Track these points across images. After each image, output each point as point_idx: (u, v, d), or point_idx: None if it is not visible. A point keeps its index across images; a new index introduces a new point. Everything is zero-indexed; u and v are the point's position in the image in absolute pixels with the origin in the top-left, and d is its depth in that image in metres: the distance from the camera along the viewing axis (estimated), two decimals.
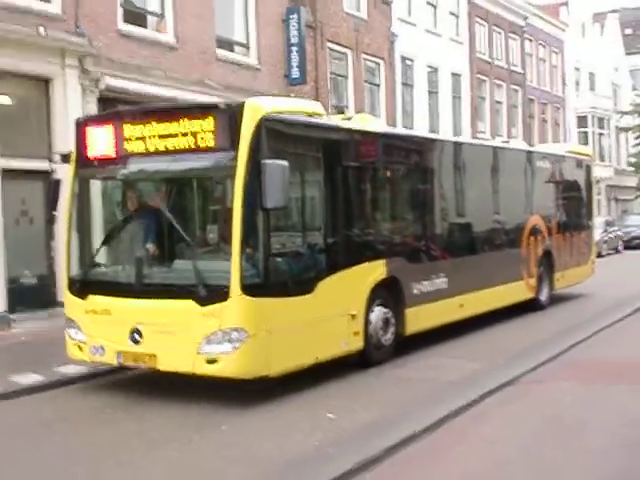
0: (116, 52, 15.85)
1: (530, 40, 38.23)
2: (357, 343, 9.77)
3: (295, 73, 20.99)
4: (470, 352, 11.07)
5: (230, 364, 8.10)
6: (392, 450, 6.64)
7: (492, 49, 34.06)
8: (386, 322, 10.31)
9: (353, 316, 9.65)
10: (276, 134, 8.69)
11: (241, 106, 8.36)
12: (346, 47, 23.89)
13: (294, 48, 20.94)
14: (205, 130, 8.32)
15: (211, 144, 8.31)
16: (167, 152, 8.61)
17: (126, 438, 7.41)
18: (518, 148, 16.53)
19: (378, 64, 25.73)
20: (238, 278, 8.04)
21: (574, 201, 17.50)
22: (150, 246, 9.22)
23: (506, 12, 35.05)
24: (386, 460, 6.47)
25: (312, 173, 9.76)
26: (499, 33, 34.79)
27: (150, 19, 17.66)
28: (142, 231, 9.40)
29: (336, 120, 11.39)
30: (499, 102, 34.97)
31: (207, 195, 10.27)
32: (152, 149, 8.70)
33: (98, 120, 9.94)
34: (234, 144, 8.19)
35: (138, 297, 8.66)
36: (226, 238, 8.39)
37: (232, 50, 19.78)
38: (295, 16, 20.91)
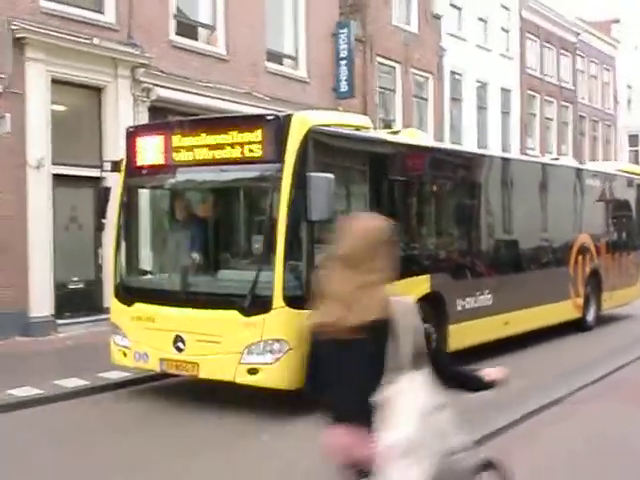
0: (167, 63, 16.06)
1: (582, 57, 37.85)
2: None
3: (343, 87, 21.06)
4: (516, 370, 10.87)
5: (270, 375, 8.14)
6: None
7: (543, 65, 33.77)
8: (428, 337, 10.15)
9: None
10: (322, 146, 8.74)
11: (288, 118, 8.43)
12: (395, 61, 23.90)
13: (343, 62, 21.01)
14: (252, 141, 8.40)
15: (258, 155, 8.38)
16: (215, 162, 8.72)
17: (167, 444, 7.48)
18: (567, 165, 16.36)
19: (427, 78, 25.67)
20: (281, 290, 8.09)
21: (624, 220, 17.22)
22: (195, 255, 9.32)
23: (558, 28, 34.75)
24: None
25: (358, 186, 9.78)
26: (550, 49, 34.50)
27: (201, 31, 17.88)
28: (188, 240, 9.53)
29: (383, 134, 11.39)
30: (549, 119, 34.64)
31: (253, 206, 10.32)
32: (200, 159, 8.82)
33: (148, 129, 10.12)
34: (281, 156, 8.24)
35: (182, 306, 8.75)
36: (270, 249, 8.44)
37: (281, 63, 19.92)
38: (345, 30, 21.00)
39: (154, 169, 9.35)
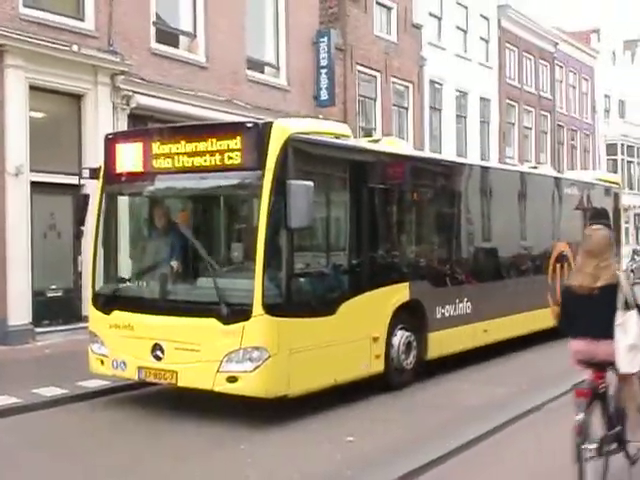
0: (148, 70, 16.04)
1: (560, 66, 38.16)
2: (378, 366, 9.71)
3: (324, 95, 21.11)
4: (495, 377, 10.98)
5: (250, 383, 8.09)
6: (412, 474, 6.60)
7: (522, 75, 34.00)
8: (408, 346, 10.23)
9: (375, 339, 9.61)
10: (302, 154, 8.78)
11: (268, 125, 8.44)
12: (375, 70, 23.97)
13: (323, 70, 21.07)
14: (232, 149, 8.39)
15: (238, 162, 8.37)
16: (194, 170, 8.70)
17: (145, 453, 7.45)
18: (545, 174, 16.50)
19: (407, 87, 25.78)
20: (260, 297, 8.05)
21: None
22: (174, 263, 9.26)
23: (536, 38, 35.01)
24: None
25: (337, 194, 9.81)
26: (529, 59, 34.75)
27: (182, 39, 17.86)
28: (167, 248, 9.48)
29: (363, 142, 11.45)
30: (528, 127, 34.87)
31: (232, 213, 10.35)
32: (179, 167, 8.78)
33: (127, 136, 10.08)
34: (260, 163, 8.24)
35: (161, 314, 8.69)
36: (250, 257, 8.42)
37: (262, 71, 19.93)
38: (325, 39, 21.06)
39: (133, 176, 9.30)
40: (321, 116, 20.09)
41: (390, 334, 9.93)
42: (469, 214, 12.56)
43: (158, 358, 8.59)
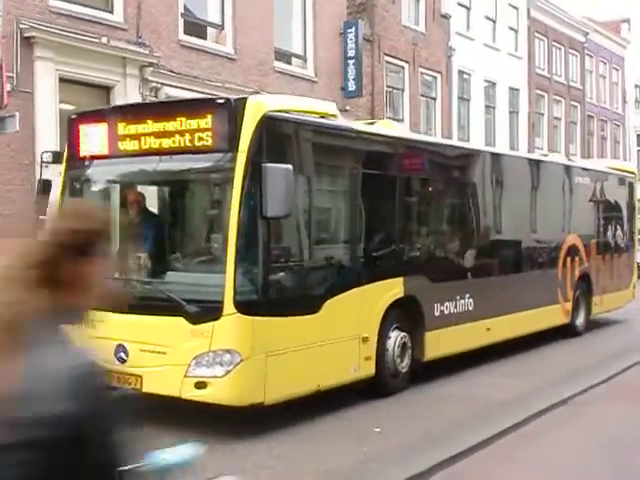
0: (176, 62, 16.10)
1: (590, 56, 37.74)
2: (368, 370, 8.89)
3: (351, 86, 21.07)
4: (518, 372, 10.87)
5: (220, 389, 7.29)
6: (437, 467, 6.58)
7: (551, 65, 33.69)
8: (403, 347, 9.44)
9: (365, 339, 8.78)
10: (281, 135, 8.04)
11: (242, 102, 7.60)
12: (403, 60, 23.89)
13: (351, 61, 21.03)
14: (202, 128, 7.57)
15: (208, 144, 7.58)
16: (161, 152, 7.91)
17: None
18: (554, 161, 15.36)
19: (435, 78, 25.67)
20: (232, 294, 7.24)
21: (615, 221, 16.30)
22: (141, 255, 8.34)
23: (566, 28, 34.67)
24: (431, 478, 6.43)
25: (321, 179, 9.02)
26: (559, 49, 34.42)
27: (210, 30, 17.91)
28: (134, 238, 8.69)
29: (351, 123, 10.52)
30: (557, 118, 34.56)
31: (204, 200, 9.56)
32: (146, 149, 7.97)
33: (91, 116, 8.98)
34: (233, 144, 7.43)
35: (126, 312, 7.49)
36: (222, 249, 7.64)
37: (289, 62, 19.94)
38: (353, 29, 21.01)
39: (97, 159, 8.49)
40: (348, 107, 20.08)
41: (382, 334, 9.10)
42: (471, 202, 11.68)
43: (122, 360, 7.69)
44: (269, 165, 7.26)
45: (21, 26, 13.25)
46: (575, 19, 35.34)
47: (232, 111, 7.53)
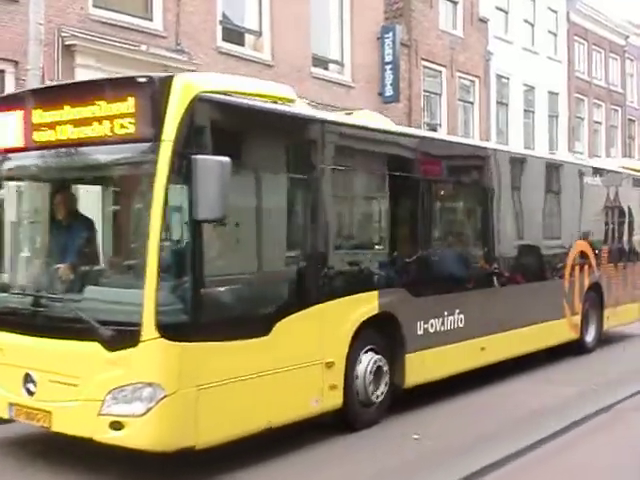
0: (214, 69, 16.20)
1: (631, 60, 37.32)
2: (334, 400, 7.55)
3: (388, 91, 21.06)
4: (563, 379, 10.66)
5: (139, 431, 6.00)
6: (477, 474, 6.52)
7: (591, 68, 33.39)
8: (378, 372, 8.09)
9: (329, 365, 7.44)
10: (217, 121, 6.62)
11: (168, 81, 6.25)
12: (440, 65, 23.84)
13: (388, 66, 21.03)
14: (123, 113, 6.27)
15: (129, 131, 6.24)
16: (78, 143, 6.61)
17: None
18: (560, 159, 13.96)
19: (473, 82, 25.56)
20: (153, 315, 5.92)
21: (629, 225, 14.68)
22: (60, 266, 7.09)
23: (606, 31, 34.33)
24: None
25: (271, 176, 7.40)
26: (599, 52, 34.10)
27: (248, 37, 18.03)
28: (50, 246, 7.56)
29: (311, 109, 8.63)
30: (598, 122, 34.22)
31: (126, 201, 8.04)
32: (62, 139, 6.68)
33: (4, 103, 7.65)
34: (156, 132, 6.12)
35: (36, 334, 6.53)
36: (143, 259, 6.21)
37: (327, 68, 20.00)
38: (390, 35, 21.02)
39: (10, 153, 7.25)
40: (385, 112, 20.07)
41: (352, 358, 7.77)
42: (463, 202, 10.46)
43: (30, 392, 6.50)
44: (200, 157, 6.05)
45: (62, 34, 13.47)
46: (615, 22, 34.99)
47: (156, 92, 6.24)
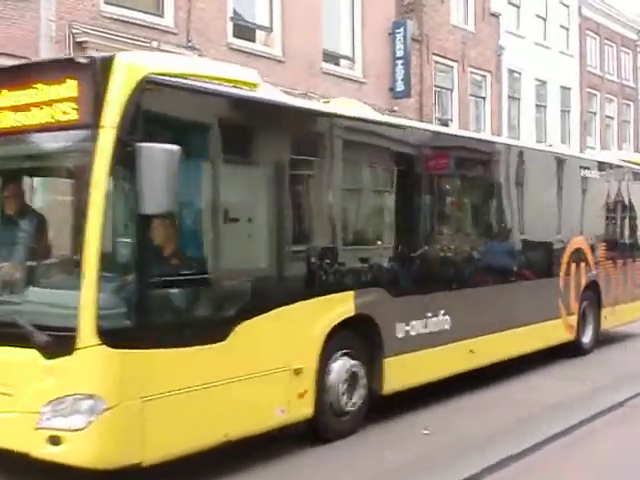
0: None
1: None
2: (303, 409, 6.95)
3: (400, 86, 21.02)
4: (573, 374, 10.61)
5: (79, 447, 5.45)
6: (491, 469, 6.50)
7: (603, 63, 33.25)
8: (353, 379, 7.48)
9: (297, 371, 6.83)
10: (166, 106, 6.06)
11: (110, 61, 5.71)
12: (452, 60, 23.78)
13: (399, 61, 20.98)
14: (62, 97, 5.75)
15: (70, 117, 5.73)
16: (19, 130, 6.05)
17: None
18: (555, 152, 13.18)
19: (484, 77, 25.49)
20: (93, 319, 5.39)
21: (629, 220, 14.09)
22: (3, 266, 6.55)
23: (618, 26, 34.18)
24: (483, 479, 6.37)
25: (229, 166, 6.66)
26: (611, 47, 33.95)
27: (259, 33, 18.02)
28: None
29: (280, 95, 8.23)
30: (610, 117, 34.08)
31: (68, 193, 7.36)
32: (1, 126, 6.14)
33: None
34: (98, 118, 5.57)
35: None
36: (82, 258, 5.64)
37: (337, 64, 19.97)
38: (401, 30, 20.97)
39: None
40: (396, 108, 20.04)
41: (324, 364, 7.17)
42: (447, 196, 9.69)
43: None
44: (145, 145, 5.51)
45: (73, 31, 13.49)
46: (627, 17, 34.84)
47: (98, 73, 5.69)
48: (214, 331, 6.14)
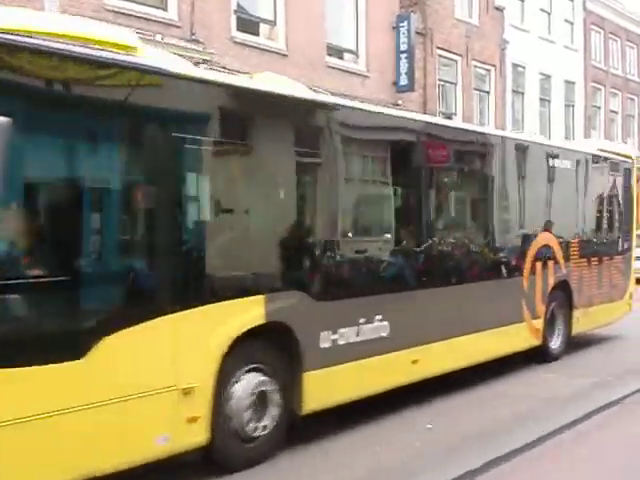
0: (229, 59, 16.20)
1: None
2: (194, 436, 5.86)
3: (403, 80, 20.99)
4: (573, 371, 10.55)
5: None
6: (487, 466, 6.49)
7: (608, 57, 33.18)
8: (262, 398, 6.40)
9: (187, 391, 5.72)
10: (8, 70, 4.80)
11: None
12: (456, 54, 23.73)
13: (403, 55, 20.95)
14: None
15: None
16: None
17: None
18: (522, 138, 11.78)
19: (488, 71, 25.45)
20: None
21: (606, 215, 12.94)
22: None
23: (623, 20, 34.09)
24: (480, 475, 6.36)
25: (100, 145, 5.43)
26: (615, 41, 33.86)
27: (262, 27, 18.01)
28: None
29: (169, 62, 6.53)
30: (614, 111, 34.01)
31: None
32: None
33: None
34: None
35: None
36: None
37: (341, 57, 19.96)
38: (405, 23, 20.92)
39: None
40: (400, 102, 20.00)
41: (224, 382, 6.08)
42: (389, 183, 8.36)
43: None
44: None
45: None
46: (631, 11, 34.76)
47: None
48: (66, 347, 5.00)
